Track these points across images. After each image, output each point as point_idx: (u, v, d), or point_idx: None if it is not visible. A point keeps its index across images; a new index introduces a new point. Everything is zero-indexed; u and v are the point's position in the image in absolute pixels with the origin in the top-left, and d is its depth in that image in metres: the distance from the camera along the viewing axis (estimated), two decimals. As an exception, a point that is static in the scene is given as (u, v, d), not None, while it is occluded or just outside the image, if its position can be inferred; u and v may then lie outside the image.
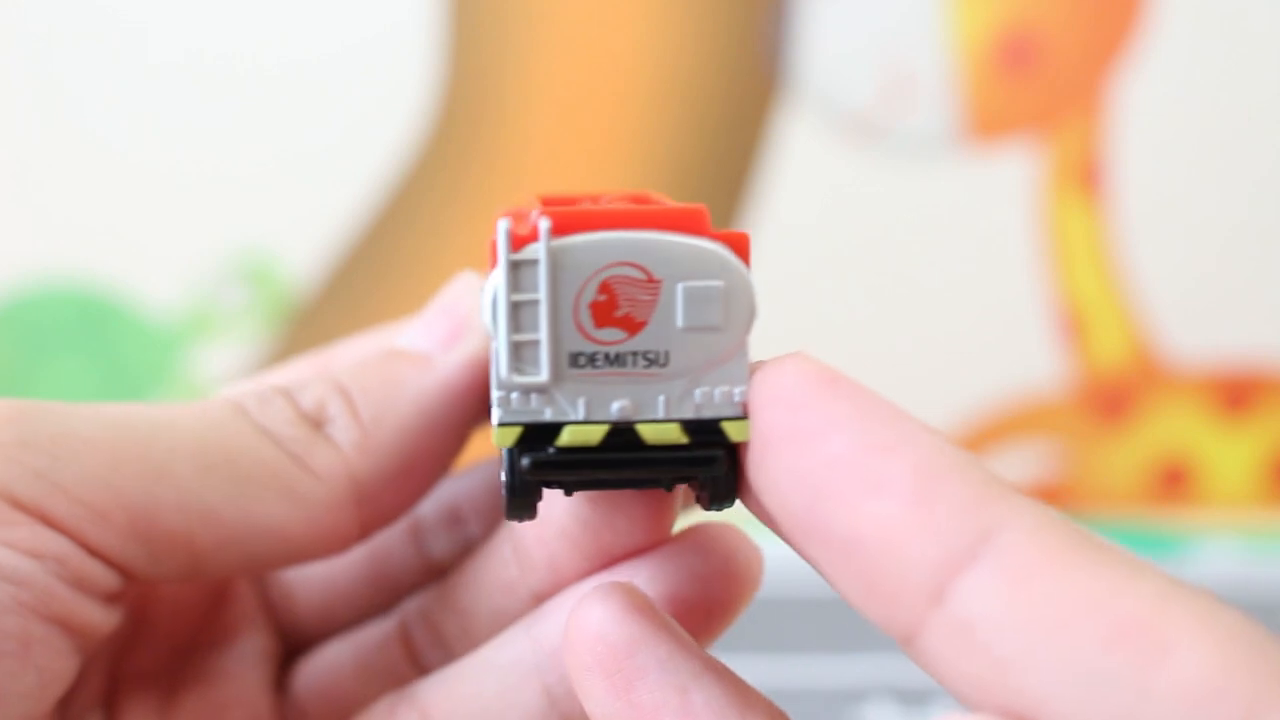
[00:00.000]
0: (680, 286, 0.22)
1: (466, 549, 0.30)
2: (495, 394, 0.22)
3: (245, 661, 0.29)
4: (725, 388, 0.23)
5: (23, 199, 0.69)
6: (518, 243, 0.22)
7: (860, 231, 0.69)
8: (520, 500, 0.23)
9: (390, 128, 0.68)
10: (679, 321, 0.22)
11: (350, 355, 0.28)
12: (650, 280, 0.22)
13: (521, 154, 0.68)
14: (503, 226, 0.22)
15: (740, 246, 0.23)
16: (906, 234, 0.68)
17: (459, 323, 0.27)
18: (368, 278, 0.69)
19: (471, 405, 0.27)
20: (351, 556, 0.29)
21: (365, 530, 0.27)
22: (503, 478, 0.23)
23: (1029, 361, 0.69)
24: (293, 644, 0.30)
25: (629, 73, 0.68)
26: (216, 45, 0.68)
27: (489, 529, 0.29)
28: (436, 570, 0.29)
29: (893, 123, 0.68)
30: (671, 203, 0.23)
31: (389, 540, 0.30)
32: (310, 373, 0.28)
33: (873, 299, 0.69)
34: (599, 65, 0.68)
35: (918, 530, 0.19)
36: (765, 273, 0.70)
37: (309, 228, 0.69)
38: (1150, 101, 0.67)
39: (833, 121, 0.67)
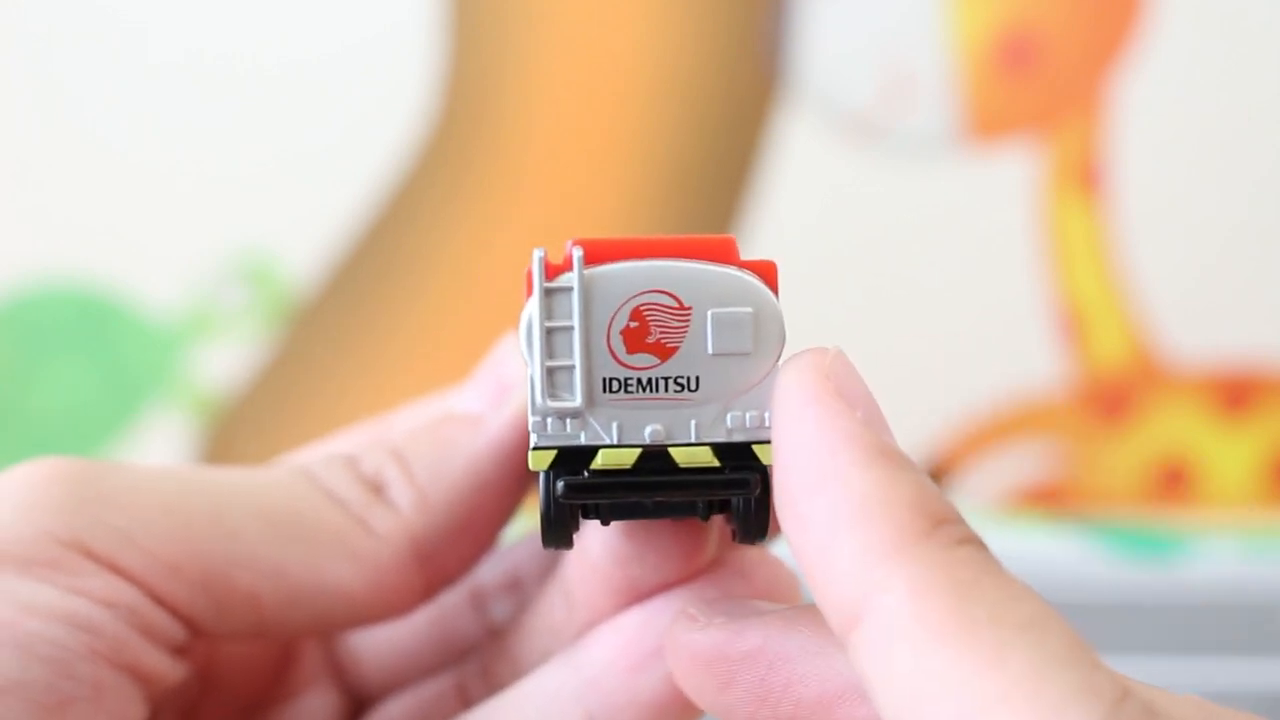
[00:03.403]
0: (710, 313, 0.23)
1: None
2: (531, 419, 0.23)
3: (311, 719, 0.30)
4: (755, 412, 0.23)
5: (23, 199, 0.69)
6: (552, 271, 0.22)
7: (860, 231, 0.69)
8: (556, 527, 0.23)
9: (390, 128, 0.68)
10: (709, 348, 0.23)
11: (406, 421, 0.29)
12: (681, 307, 0.23)
13: (521, 154, 0.68)
14: (538, 255, 0.22)
15: (769, 275, 0.23)
16: (906, 234, 0.68)
17: (506, 382, 0.27)
18: (368, 277, 0.69)
19: (523, 460, 0.27)
20: (416, 620, 0.30)
21: (429, 590, 0.27)
22: (539, 504, 0.23)
23: (1029, 361, 0.69)
24: (360, 702, 0.31)
25: (629, 73, 0.68)
26: (216, 45, 0.68)
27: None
28: (497, 635, 0.30)
29: (893, 123, 0.68)
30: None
31: (452, 605, 0.30)
32: (369, 440, 0.28)
33: (872, 299, 0.69)
34: (599, 65, 0.68)
35: (821, 579, 0.20)
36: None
37: (309, 228, 0.69)
38: (1150, 101, 0.67)
39: (833, 121, 0.68)
